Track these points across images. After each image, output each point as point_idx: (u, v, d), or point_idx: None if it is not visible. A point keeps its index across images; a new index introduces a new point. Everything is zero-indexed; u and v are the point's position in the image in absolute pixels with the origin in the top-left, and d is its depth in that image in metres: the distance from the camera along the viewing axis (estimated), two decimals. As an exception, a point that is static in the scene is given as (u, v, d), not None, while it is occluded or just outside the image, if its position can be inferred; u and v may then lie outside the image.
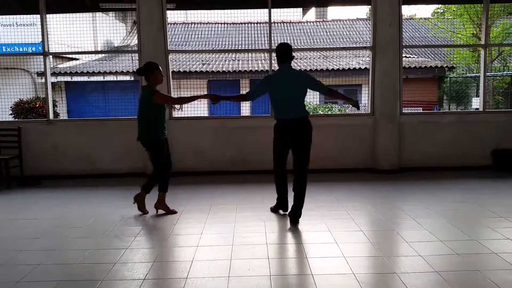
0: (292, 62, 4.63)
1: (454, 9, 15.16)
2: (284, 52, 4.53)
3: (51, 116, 7.10)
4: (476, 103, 10.54)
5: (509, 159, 6.90)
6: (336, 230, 4.26)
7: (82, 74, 12.83)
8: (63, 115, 11.60)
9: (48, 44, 7.04)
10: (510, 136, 7.01)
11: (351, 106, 5.22)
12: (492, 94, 12.86)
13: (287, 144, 4.58)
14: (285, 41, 4.83)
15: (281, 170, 4.75)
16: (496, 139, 7.01)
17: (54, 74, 11.86)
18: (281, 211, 4.87)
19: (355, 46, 15.56)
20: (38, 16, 6.94)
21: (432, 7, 17.63)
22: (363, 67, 12.15)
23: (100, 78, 12.91)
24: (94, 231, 4.39)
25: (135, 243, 3.99)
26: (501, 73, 13.72)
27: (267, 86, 4.63)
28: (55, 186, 6.47)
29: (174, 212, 4.97)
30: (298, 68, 13.31)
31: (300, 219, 4.52)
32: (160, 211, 4.99)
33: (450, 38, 15.15)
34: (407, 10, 25.46)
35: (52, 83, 7.94)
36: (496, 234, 4.06)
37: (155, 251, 3.85)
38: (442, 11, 17.20)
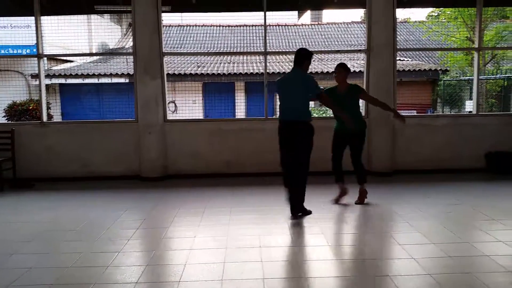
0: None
1: (449, 12, 15.25)
2: (295, 56, 4.79)
3: (44, 118, 7.07)
4: (470, 106, 10.60)
5: (502, 161, 6.94)
6: (330, 233, 4.27)
7: (76, 76, 12.79)
8: (57, 118, 11.57)
9: (42, 46, 7.02)
10: (503, 138, 7.05)
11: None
12: (486, 97, 12.95)
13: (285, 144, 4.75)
14: (306, 47, 5.01)
15: (283, 168, 4.88)
16: (490, 141, 7.05)
17: (48, 76, 11.83)
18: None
19: (350, 49, 15.60)
20: (33, 18, 6.91)
21: (427, 11, 17.73)
22: (357, 70, 12.17)
23: (94, 80, 12.89)
24: (87, 234, 4.37)
25: (128, 246, 3.98)
26: (494, 76, 13.82)
27: (277, 88, 4.87)
28: (48, 189, 6.43)
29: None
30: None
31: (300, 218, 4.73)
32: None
33: (444, 41, 15.24)
34: (401, 13, 25.56)
35: (46, 85, 7.90)
36: (488, 236, 4.08)
37: (148, 254, 3.84)
38: (436, 14, 17.29)
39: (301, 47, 5.03)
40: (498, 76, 13.63)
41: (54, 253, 3.92)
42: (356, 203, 5.29)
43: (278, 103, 4.96)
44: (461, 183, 6.32)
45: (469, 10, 13.37)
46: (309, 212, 4.82)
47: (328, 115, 9.35)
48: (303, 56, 4.74)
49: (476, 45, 7.36)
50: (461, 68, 15.27)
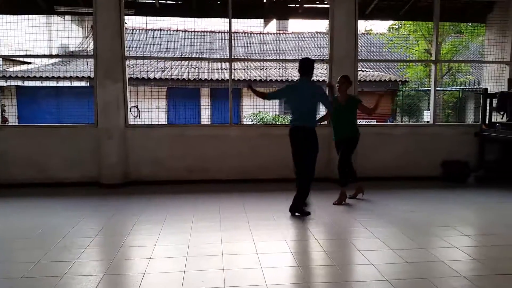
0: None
1: (409, 25, 15.83)
2: (301, 66, 5.13)
3: (-2, 121, 6.77)
4: (427, 116, 10.98)
5: (457, 170, 7.22)
6: (292, 240, 4.29)
7: (34, 78, 12.32)
8: (14, 121, 11.10)
9: (-3, 47, 6.74)
10: (459, 148, 7.36)
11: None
12: (442, 108, 13.49)
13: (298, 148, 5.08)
14: (307, 56, 5.45)
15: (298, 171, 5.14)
16: (446, 150, 7.33)
17: (3, 77, 11.34)
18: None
19: (313, 58, 15.89)
20: (-13, 17, 6.63)
21: (388, 23, 18.35)
22: (321, 79, 12.41)
23: (53, 83, 12.45)
24: (41, 242, 4.19)
25: (85, 255, 3.85)
26: (450, 88, 14.43)
27: (284, 94, 5.24)
28: (2, 195, 6.11)
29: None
30: (258, 78, 13.44)
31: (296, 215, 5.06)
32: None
33: (404, 53, 15.78)
34: (363, 25, 26.28)
35: (1, 87, 7.56)
36: (443, 242, 4.22)
37: (105, 263, 3.72)
38: (397, 27, 17.90)
39: (304, 57, 5.38)
40: (454, 88, 14.24)
41: (6, 262, 3.74)
42: (350, 197, 5.92)
43: (290, 110, 5.25)
44: (418, 191, 6.52)
45: (427, 24, 13.93)
46: (308, 213, 5.10)
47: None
48: (310, 67, 5.15)
49: (433, 58, 7.65)
50: (420, 79, 15.85)
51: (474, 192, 6.54)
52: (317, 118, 5.28)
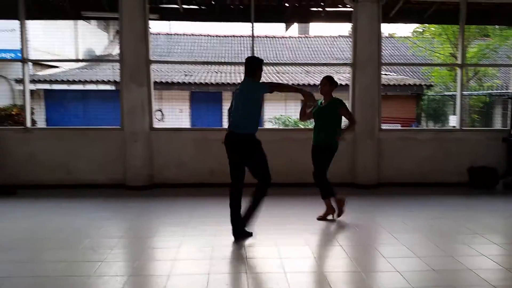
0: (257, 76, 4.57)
1: (433, 28, 15.59)
2: (245, 66, 4.56)
3: (28, 124, 6.95)
4: (453, 121, 10.77)
5: (485, 176, 7.05)
6: (315, 245, 4.27)
7: (62, 82, 12.64)
8: (42, 124, 11.40)
9: (27, 51, 6.93)
10: (485, 153, 7.18)
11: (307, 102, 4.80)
12: (469, 112, 13.21)
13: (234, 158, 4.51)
14: (255, 55, 4.81)
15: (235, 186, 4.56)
16: (472, 156, 7.16)
17: (33, 81, 11.66)
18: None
19: (336, 62, 15.78)
20: (18, 22, 6.83)
21: (412, 26, 18.09)
22: (343, 83, 12.28)
23: (80, 87, 12.75)
24: (69, 243, 4.28)
25: (111, 256, 3.91)
26: (477, 92, 14.12)
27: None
28: (31, 196, 6.29)
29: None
30: (280, 82, 13.43)
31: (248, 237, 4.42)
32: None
33: (429, 57, 15.53)
34: (387, 29, 25.99)
35: (31, 90, 7.77)
36: (471, 250, 4.12)
37: (131, 264, 3.78)
38: (421, 30, 17.63)
39: (250, 55, 4.82)
40: (480, 92, 13.94)
41: (34, 262, 3.83)
42: (318, 219, 5.12)
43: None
44: (444, 197, 6.39)
45: (452, 27, 13.68)
46: (250, 235, 4.40)
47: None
48: (255, 65, 4.53)
49: (459, 61, 7.51)
50: (445, 84, 15.57)
51: (502, 199, 6.38)
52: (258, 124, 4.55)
